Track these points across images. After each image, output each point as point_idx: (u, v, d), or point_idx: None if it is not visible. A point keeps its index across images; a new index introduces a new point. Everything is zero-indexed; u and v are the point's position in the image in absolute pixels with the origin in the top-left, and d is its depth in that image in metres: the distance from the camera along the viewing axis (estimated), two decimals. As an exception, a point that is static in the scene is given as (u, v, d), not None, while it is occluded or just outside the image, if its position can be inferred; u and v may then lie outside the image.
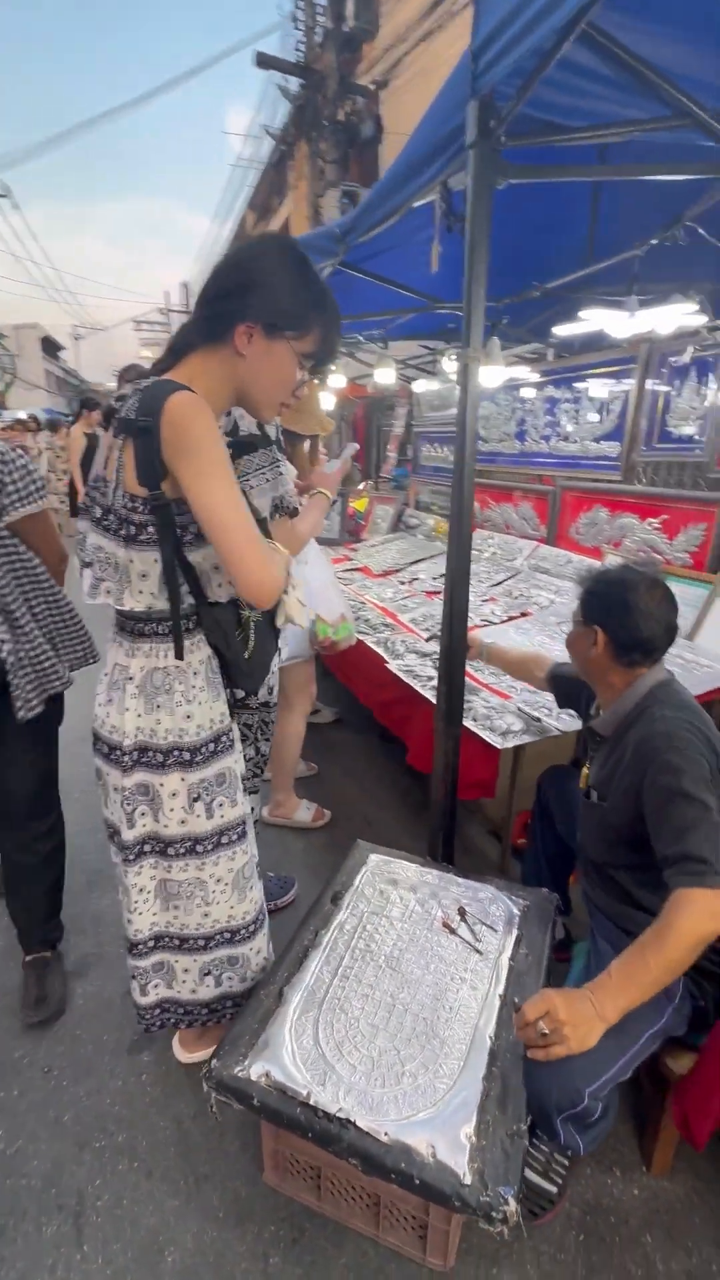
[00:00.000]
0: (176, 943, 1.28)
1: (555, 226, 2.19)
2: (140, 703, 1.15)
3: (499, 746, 1.71)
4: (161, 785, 1.17)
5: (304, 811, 2.39)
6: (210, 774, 1.19)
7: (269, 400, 1.12)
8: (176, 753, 1.16)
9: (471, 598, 1.61)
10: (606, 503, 3.00)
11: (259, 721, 1.64)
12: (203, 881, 1.23)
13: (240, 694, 1.30)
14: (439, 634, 2.58)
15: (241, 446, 1.37)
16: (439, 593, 3.17)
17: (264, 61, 7.40)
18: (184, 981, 1.31)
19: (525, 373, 3.31)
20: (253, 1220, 1.20)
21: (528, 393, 3.50)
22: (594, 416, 3.04)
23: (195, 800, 1.18)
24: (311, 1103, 1.04)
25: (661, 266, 2.07)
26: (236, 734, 1.28)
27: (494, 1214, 0.90)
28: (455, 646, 1.59)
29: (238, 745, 1.27)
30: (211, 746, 1.19)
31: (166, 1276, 1.12)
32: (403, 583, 3.42)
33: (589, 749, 1.43)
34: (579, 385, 3.12)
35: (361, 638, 2.52)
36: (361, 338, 3.77)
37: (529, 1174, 1.18)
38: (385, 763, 2.87)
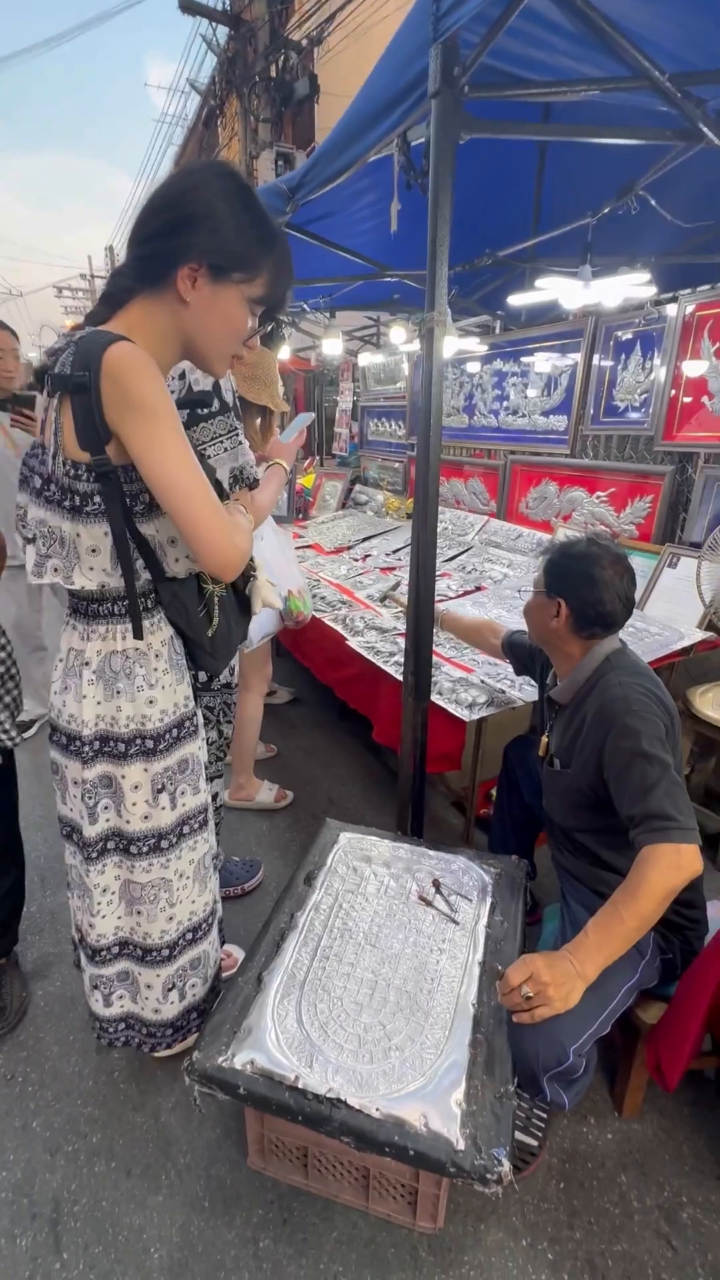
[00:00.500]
0: (140, 953, 1.20)
1: (502, 193, 2.17)
2: (99, 689, 1.07)
3: (466, 719, 1.72)
4: (123, 777, 1.10)
5: (266, 793, 2.35)
6: (173, 761, 1.13)
7: (219, 352, 1.03)
8: (139, 741, 1.09)
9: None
10: (556, 477, 3.05)
11: (221, 704, 1.59)
12: (167, 881, 1.16)
13: (204, 677, 1.24)
14: (388, 596, 2.58)
15: (194, 406, 1.29)
16: (393, 568, 3.16)
17: (188, 6, 6.95)
18: (147, 999, 1.23)
19: (474, 344, 3.30)
20: (240, 1206, 1.18)
21: (475, 366, 3.50)
22: (541, 390, 3.07)
23: (159, 791, 1.12)
24: (300, 1086, 1.02)
25: (612, 238, 2.09)
26: (200, 719, 1.22)
27: (488, 1176, 0.91)
28: (422, 620, 1.57)
29: (201, 730, 1.21)
30: (175, 733, 1.12)
31: (154, 1274, 1.09)
32: (356, 559, 3.38)
33: (547, 718, 1.46)
34: (526, 359, 3.13)
35: (318, 615, 2.48)
36: (306, 306, 3.65)
37: (511, 1131, 1.21)
38: (345, 740, 2.85)
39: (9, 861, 1.56)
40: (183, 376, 1.29)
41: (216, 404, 1.30)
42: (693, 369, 2.34)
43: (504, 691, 1.85)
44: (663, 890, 1.02)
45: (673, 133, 1.47)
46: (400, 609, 2.40)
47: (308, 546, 3.71)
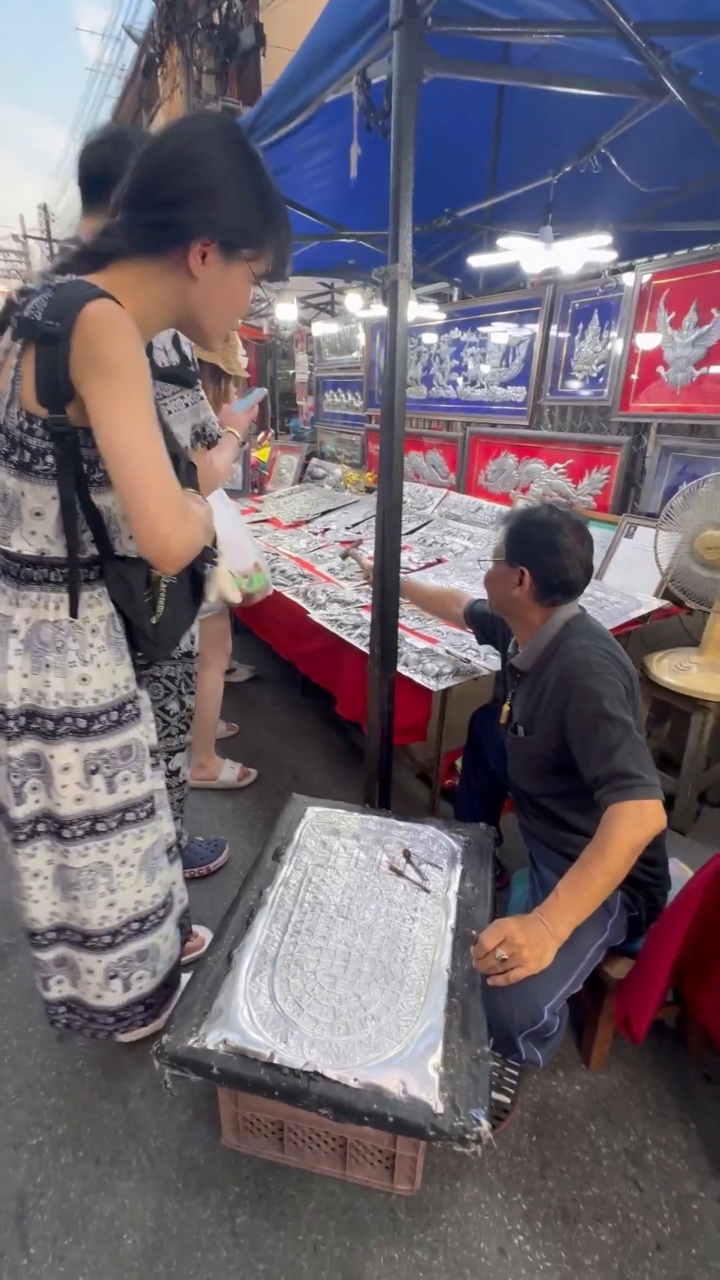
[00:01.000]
0: (79, 938, 1.13)
1: (459, 150, 2.10)
2: (26, 660, 0.98)
3: (432, 689, 1.70)
4: (52, 757, 1.02)
5: (228, 771, 2.30)
6: (112, 746, 1.05)
7: (219, 327, 0.98)
8: (70, 720, 1.00)
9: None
10: (514, 449, 3.04)
11: (182, 673, 1.52)
12: (106, 865, 1.09)
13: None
14: (349, 554, 2.52)
15: (161, 380, 1.22)
16: (354, 542, 3.11)
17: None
18: (88, 984, 1.16)
19: (432, 311, 3.23)
20: (214, 1184, 1.17)
21: (431, 338, 3.44)
22: (499, 361, 3.04)
23: (93, 773, 1.04)
24: (275, 1062, 1.00)
25: (573, 202, 2.06)
26: (145, 703, 1.15)
27: (468, 1136, 0.92)
28: (388, 590, 1.54)
29: (146, 715, 1.14)
30: (114, 715, 1.05)
31: (128, 1260, 1.06)
32: (315, 533, 3.32)
33: (509, 685, 1.45)
34: (484, 329, 3.10)
35: (279, 589, 2.42)
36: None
37: (485, 1090, 1.23)
38: (308, 716, 2.82)
39: None
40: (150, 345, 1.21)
41: (178, 356, 1.23)
42: (648, 339, 2.36)
43: (469, 661, 1.85)
44: (629, 846, 1.04)
45: (636, 86, 1.44)
46: (361, 572, 2.34)
47: (265, 521, 3.62)
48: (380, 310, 1.22)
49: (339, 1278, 1.05)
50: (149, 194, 0.86)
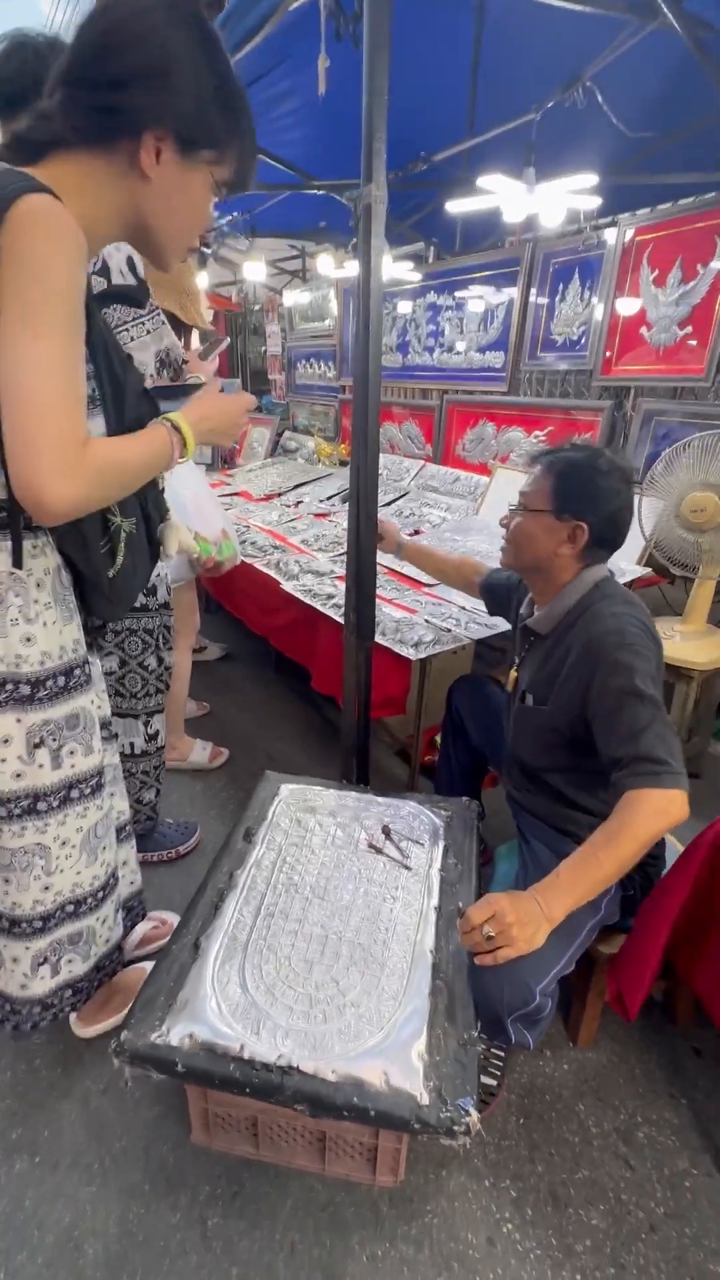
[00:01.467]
0: (6, 924, 1.03)
1: (435, 87, 1.97)
2: None
3: (412, 658, 1.62)
4: None
5: (200, 752, 2.20)
6: (59, 715, 0.95)
7: (177, 243, 0.86)
8: (11, 686, 0.90)
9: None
10: (493, 417, 2.95)
11: (159, 626, 1.45)
12: (44, 847, 0.99)
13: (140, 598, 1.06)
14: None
15: (113, 301, 1.12)
16: (328, 515, 3.00)
17: None
18: (12, 973, 1.06)
19: (407, 271, 3.10)
20: (184, 1185, 1.09)
21: (407, 306, 3.31)
22: (478, 325, 2.93)
23: (37, 746, 0.94)
24: (246, 1056, 0.91)
25: (556, 146, 1.94)
26: (96, 669, 1.05)
27: (455, 1128, 0.85)
28: (364, 553, 1.44)
29: (97, 681, 1.04)
30: (62, 681, 0.94)
31: (89, 1272, 0.98)
32: (287, 506, 3.19)
33: (520, 649, 1.35)
34: (461, 293, 2.98)
35: (249, 560, 2.31)
36: (224, 225, 3.32)
37: (471, 1074, 1.17)
38: (283, 694, 2.72)
39: None
40: (98, 265, 1.10)
41: (134, 280, 1.13)
42: (631, 298, 2.27)
43: (450, 631, 1.77)
44: (647, 835, 0.95)
45: (624, 3, 1.33)
46: (387, 542, 1.90)
47: (235, 494, 3.48)
48: (354, 270, 1.11)
49: (318, 1278, 0.99)
50: (91, 71, 0.73)
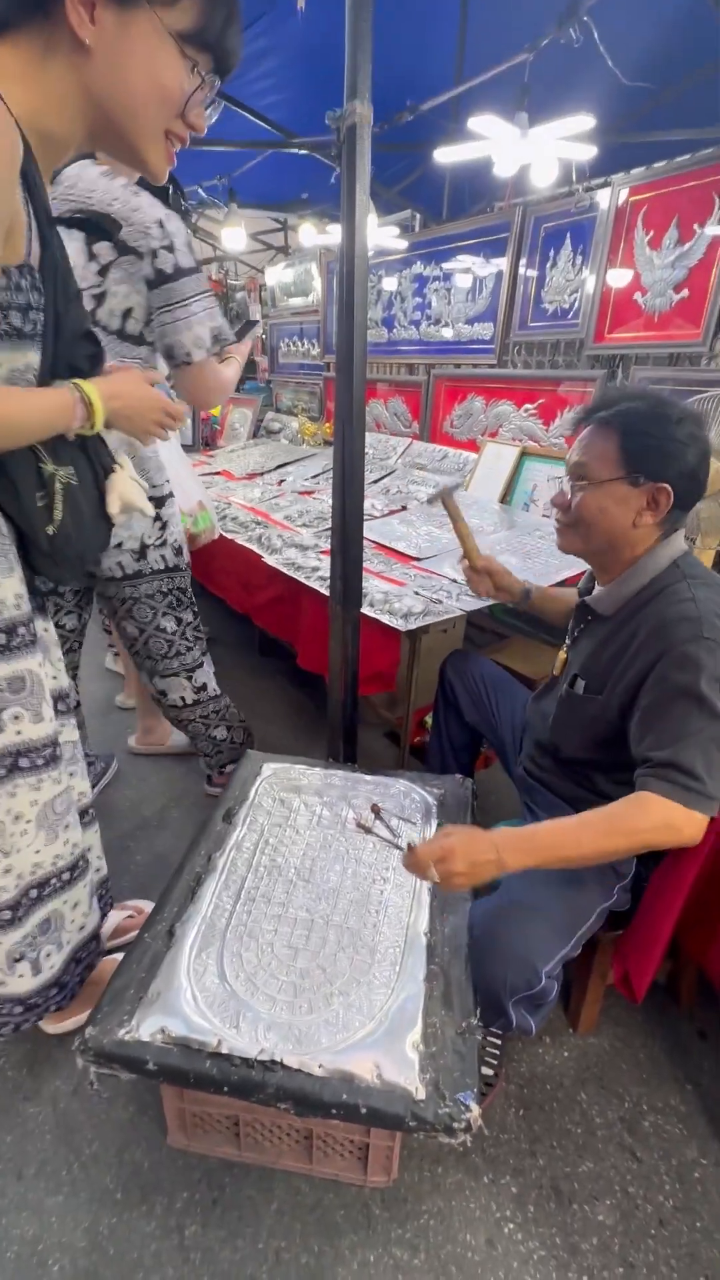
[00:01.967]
0: None
1: (422, 30, 1.86)
2: None
3: (401, 629, 1.53)
4: None
5: (178, 735, 2.10)
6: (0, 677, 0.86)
7: (144, 125, 0.73)
8: None
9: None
10: (482, 391, 2.86)
11: (159, 590, 1.46)
12: None
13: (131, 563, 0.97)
14: (439, 498, 2.21)
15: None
16: (313, 492, 2.90)
17: None
18: None
19: (393, 238, 2.99)
20: (160, 1192, 1.00)
21: (392, 283, 3.21)
22: (466, 295, 2.84)
23: None
24: (224, 1051, 0.83)
25: (549, 93, 1.85)
26: (51, 636, 0.96)
27: (454, 1125, 0.78)
28: (349, 516, 1.35)
29: (52, 650, 0.95)
30: (1, 639, 0.85)
31: (53, 1291, 0.89)
32: (270, 484, 3.09)
33: (574, 628, 1.19)
34: (448, 263, 2.88)
35: (231, 536, 2.21)
36: (202, 191, 3.19)
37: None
38: (267, 676, 2.63)
39: None
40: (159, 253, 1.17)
41: (191, 262, 1.21)
42: (625, 265, 2.19)
43: (441, 603, 1.68)
44: (645, 844, 0.87)
45: None
46: (452, 518, 1.58)
47: (215, 473, 3.36)
48: (338, 235, 1.02)
49: (306, 1288, 0.91)
50: None
